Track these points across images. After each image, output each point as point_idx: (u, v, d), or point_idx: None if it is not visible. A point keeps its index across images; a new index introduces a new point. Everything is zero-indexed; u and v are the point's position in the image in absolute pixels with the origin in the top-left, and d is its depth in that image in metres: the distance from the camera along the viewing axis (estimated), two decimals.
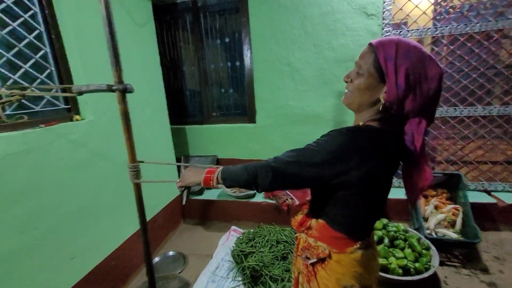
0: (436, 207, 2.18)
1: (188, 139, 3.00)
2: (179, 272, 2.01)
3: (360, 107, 0.76)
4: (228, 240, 2.32)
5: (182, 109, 3.05)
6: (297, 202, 2.45)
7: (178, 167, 2.72)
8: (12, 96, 1.03)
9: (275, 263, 1.90)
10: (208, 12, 2.72)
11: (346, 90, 0.79)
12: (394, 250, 1.83)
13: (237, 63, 2.77)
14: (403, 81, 0.65)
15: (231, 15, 2.66)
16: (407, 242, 1.90)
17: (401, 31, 2.24)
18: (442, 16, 2.19)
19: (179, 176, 2.73)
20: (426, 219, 2.14)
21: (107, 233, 1.73)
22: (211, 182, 0.84)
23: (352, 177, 0.69)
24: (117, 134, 1.76)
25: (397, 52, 0.66)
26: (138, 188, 1.11)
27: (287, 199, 2.47)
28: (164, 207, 2.40)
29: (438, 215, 2.09)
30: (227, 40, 2.74)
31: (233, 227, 2.47)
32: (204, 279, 1.91)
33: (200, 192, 2.76)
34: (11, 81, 1.30)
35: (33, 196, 1.28)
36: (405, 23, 2.38)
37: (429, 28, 2.20)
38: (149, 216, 1.76)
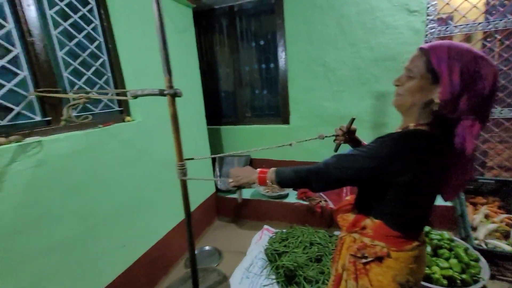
0: (486, 216, 2.01)
1: (222, 139, 3.10)
2: (216, 266, 2.11)
3: (411, 109, 0.77)
4: (261, 239, 2.36)
5: (217, 110, 3.16)
6: (330, 205, 2.42)
7: (214, 166, 2.83)
8: (79, 99, 1.17)
9: (309, 265, 1.90)
10: (244, 16, 2.79)
11: (396, 93, 0.81)
12: (438, 260, 1.73)
13: (271, 65, 2.81)
14: (458, 80, 0.66)
15: (266, 17, 2.71)
16: (453, 252, 1.78)
17: (447, 27, 2.11)
18: (495, 9, 2.02)
19: (214, 174, 2.86)
20: (474, 229, 1.99)
21: (151, 225, 1.87)
22: (267, 181, 0.90)
23: (407, 179, 0.72)
24: (160, 134, 1.92)
25: (450, 54, 0.67)
26: (184, 184, 1.19)
27: (321, 201, 2.45)
28: (200, 204, 2.52)
29: (489, 225, 1.92)
30: (261, 42, 2.79)
31: (265, 226, 2.52)
32: (239, 275, 1.97)
33: (234, 191, 2.85)
34: (77, 86, 1.47)
35: (91, 189, 1.43)
36: (452, 18, 2.23)
37: (480, 23, 2.04)
38: None
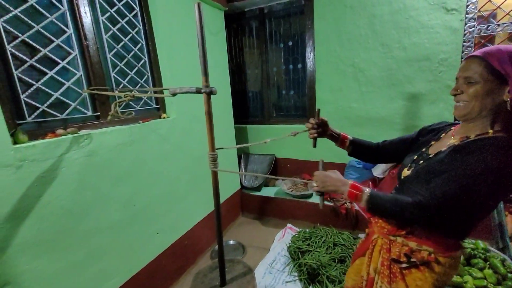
0: None
1: (248, 138, 3.18)
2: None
3: (480, 114, 0.76)
4: (284, 236, 2.40)
5: (245, 110, 3.25)
6: (356, 207, 2.39)
7: (239, 162, 2.92)
8: (125, 97, 1.30)
9: (332, 265, 1.91)
10: (273, 17, 2.85)
11: (457, 103, 0.80)
12: (471, 269, 1.65)
13: (299, 65, 2.83)
14: None
15: (296, 19, 2.74)
16: (488, 263, 1.69)
17: (489, 25, 2.00)
18: None
19: (239, 169, 2.94)
20: None
21: (181, 216, 1.99)
22: (357, 201, 0.83)
23: (501, 193, 0.73)
24: (193, 131, 2.03)
25: (508, 54, 0.71)
26: (215, 176, 1.26)
27: (346, 202, 2.43)
28: (226, 199, 2.62)
29: None
30: (290, 43, 2.83)
31: (288, 225, 2.55)
32: (262, 270, 2.03)
33: (258, 188, 2.91)
34: (121, 85, 1.62)
35: (133, 179, 1.57)
36: (494, 16, 2.10)
37: None
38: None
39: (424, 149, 0.91)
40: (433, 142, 0.91)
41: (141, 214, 1.63)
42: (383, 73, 2.36)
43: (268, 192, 2.86)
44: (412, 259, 0.83)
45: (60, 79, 1.30)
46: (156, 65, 1.83)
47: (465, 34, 2.06)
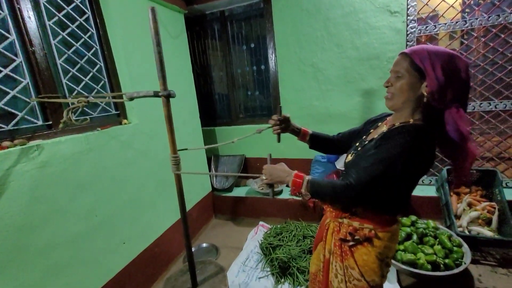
0: (469, 205, 2.11)
1: (217, 140, 3.19)
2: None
3: (404, 105, 0.87)
4: (257, 234, 2.45)
5: (212, 112, 3.25)
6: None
7: (209, 165, 2.92)
8: (79, 103, 1.26)
9: (302, 256, 1.99)
10: (235, 20, 2.89)
11: (387, 94, 0.91)
12: (423, 247, 1.83)
13: (262, 67, 2.91)
14: (441, 74, 0.78)
15: (256, 21, 2.81)
16: (437, 239, 1.88)
17: (427, 26, 2.22)
18: (472, 8, 2.14)
19: (209, 171, 2.94)
20: (458, 217, 2.09)
21: (150, 223, 1.95)
22: (300, 188, 0.90)
23: (415, 171, 0.83)
24: (157, 136, 2.00)
25: (429, 54, 0.80)
26: (178, 179, 1.27)
27: None
28: (198, 202, 2.61)
29: (471, 213, 2.02)
30: (252, 45, 2.89)
31: (261, 223, 2.60)
32: (235, 268, 2.05)
33: (230, 189, 2.93)
34: (75, 92, 1.56)
35: (93, 189, 1.51)
36: (432, 18, 2.34)
37: (457, 22, 2.15)
38: None
39: (364, 137, 1.02)
40: (371, 130, 1.03)
41: (105, 224, 1.58)
42: (339, 72, 2.51)
43: (239, 192, 2.89)
44: (356, 237, 0.92)
45: (4, 88, 1.23)
46: (113, 70, 1.78)
47: (408, 34, 2.27)
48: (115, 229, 1.64)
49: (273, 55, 2.74)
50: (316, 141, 1.23)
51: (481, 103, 2.24)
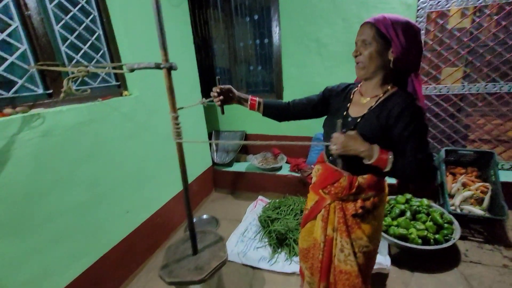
0: (463, 185, 2.17)
1: (218, 115, 3.18)
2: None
3: (374, 73, 0.92)
4: (255, 207, 2.53)
5: (213, 86, 3.19)
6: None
7: (210, 143, 2.93)
8: (79, 72, 1.23)
9: (299, 229, 2.07)
10: None
11: (357, 64, 0.93)
12: (416, 223, 1.90)
13: (266, 40, 2.82)
14: (404, 39, 0.85)
15: None
16: (430, 217, 1.95)
17: (439, 1, 2.13)
18: None
19: (210, 149, 2.96)
20: (452, 196, 2.15)
21: (152, 194, 2.00)
22: (385, 166, 0.86)
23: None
24: (159, 109, 1.99)
25: (391, 21, 0.85)
26: (180, 148, 1.27)
27: (312, 173, 2.58)
28: (198, 176, 2.66)
29: (465, 192, 2.08)
30: (256, 17, 2.78)
31: (260, 197, 2.67)
32: (234, 239, 2.15)
33: (230, 164, 2.97)
34: (75, 60, 1.52)
35: (96, 159, 1.53)
36: None
37: None
38: None
39: (344, 112, 1.01)
40: (349, 104, 1.02)
41: (109, 194, 1.62)
42: (344, 48, 2.44)
43: (239, 167, 2.94)
44: (367, 207, 0.98)
45: (2, 54, 1.20)
46: (112, 39, 1.72)
47: (418, 10, 2.18)
48: (118, 199, 1.69)
49: (277, 28, 2.64)
50: (268, 109, 1.21)
51: (486, 85, 2.21)
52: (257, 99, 1.20)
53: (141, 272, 1.88)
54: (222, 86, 1.14)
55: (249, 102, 1.19)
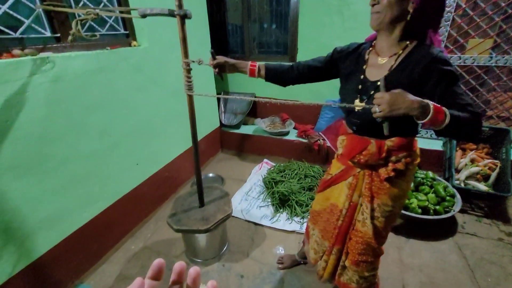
0: (472, 161, 2.15)
1: (227, 76, 3.09)
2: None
3: (390, 24, 0.85)
4: (260, 169, 2.58)
5: (224, 44, 3.07)
6: (328, 144, 2.54)
7: (218, 101, 2.90)
8: (88, 14, 1.17)
9: (301, 192, 2.13)
10: None
11: (373, 12, 0.86)
12: (418, 194, 1.93)
13: None
14: None
15: None
16: (433, 189, 1.97)
17: None
18: None
19: (218, 110, 2.94)
20: (458, 171, 2.15)
21: (160, 149, 2.04)
22: (442, 123, 0.74)
23: None
24: (168, 63, 1.93)
25: None
26: (190, 101, 1.26)
27: (319, 139, 2.58)
28: (206, 136, 2.68)
29: (472, 168, 2.07)
30: None
31: (265, 160, 2.71)
32: (238, 197, 2.23)
33: (237, 126, 2.97)
34: (81, 3, 1.44)
35: (106, 109, 1.54)
36: None
37: None
38: None
39: (361, 76, 0.95)
40: (365, 66, 0.95)
41: (119, 145, 1.65)
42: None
43: (246, 130, 2.94)
44: (398, 169, 0.95)
45: None
46: None
47: None
48: (128, 151, 1.73)
49: None
50: (272, 73, 1.15)
51: None
52: (257, 64, 1.12)
53: (150, 220, 2.00)
54: (220, 58, 1.11)
55: (248, 68, 1.12)
